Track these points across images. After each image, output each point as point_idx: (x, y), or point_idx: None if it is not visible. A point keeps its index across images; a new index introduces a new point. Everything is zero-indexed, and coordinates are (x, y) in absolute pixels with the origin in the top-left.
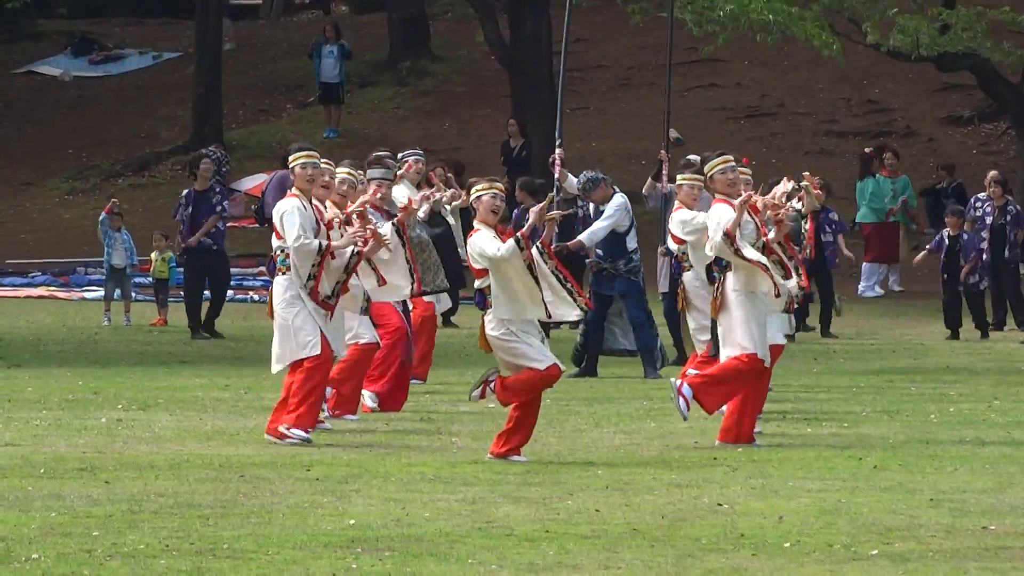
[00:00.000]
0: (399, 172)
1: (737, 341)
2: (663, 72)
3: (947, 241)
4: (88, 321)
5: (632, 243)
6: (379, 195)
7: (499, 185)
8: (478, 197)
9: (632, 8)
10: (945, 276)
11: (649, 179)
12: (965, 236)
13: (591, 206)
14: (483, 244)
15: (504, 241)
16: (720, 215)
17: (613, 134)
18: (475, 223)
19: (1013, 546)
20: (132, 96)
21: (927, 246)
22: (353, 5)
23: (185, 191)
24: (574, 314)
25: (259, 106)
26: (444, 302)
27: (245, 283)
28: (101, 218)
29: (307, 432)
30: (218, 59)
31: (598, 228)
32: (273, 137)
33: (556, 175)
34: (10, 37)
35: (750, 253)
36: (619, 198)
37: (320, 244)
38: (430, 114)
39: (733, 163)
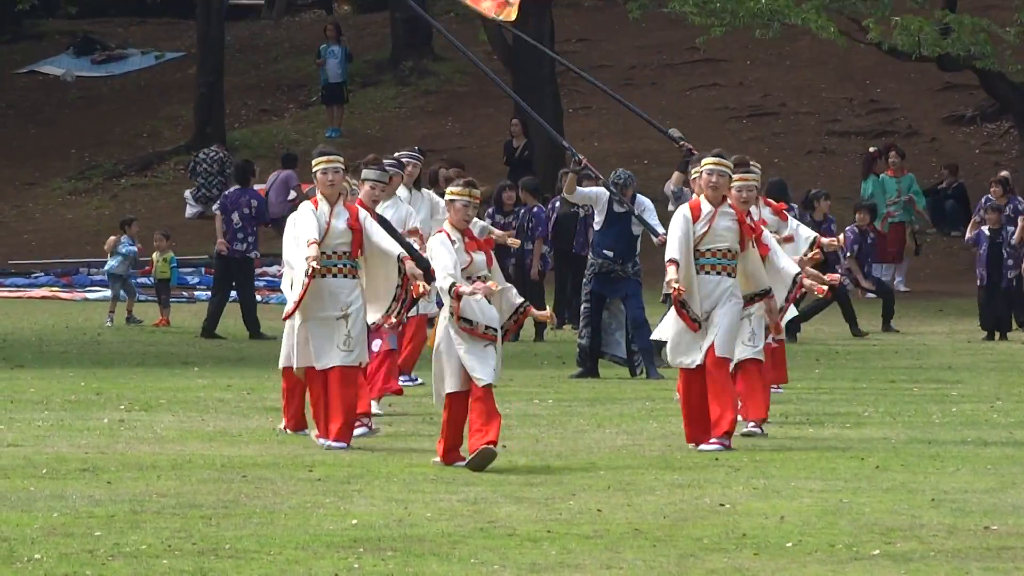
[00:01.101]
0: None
1: None
2: (665, 71)
3: (988, 235)
4: (91, 322)
5: (638, 246)
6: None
7: (476, 192)
8: (451, 201)
9: (631, 5)
10: (984, 274)
11: (676, 172)
12: (1010, 231)
13: (591, 208)
14: (439, 257)
15: (472, 250)
16: (680, 215)
17: (615, 134)
18: (445, 224)
19: (1015, 546)
20: (134, 96)
21: (967, 239)
22: (355, 5)
23: (239, 189)
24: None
25: (261, 106)
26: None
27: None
28: (128, 249)
29: (285, 428)
30: (220, 59)
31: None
32: (276, 137)
33: (590, 172)
34: (12, 37)
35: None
36: (646, 198)
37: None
38: (432, 114)
39: (724, 168)
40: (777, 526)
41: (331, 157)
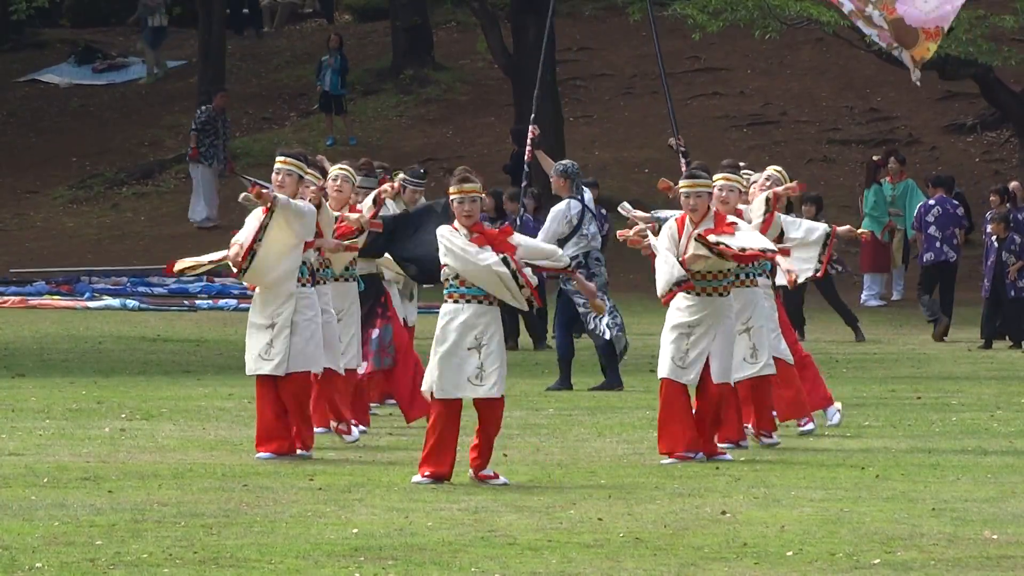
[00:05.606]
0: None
1: None
2: (666, 80)
3: (996, 245)
4: (92, 330)
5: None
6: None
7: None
8: (451, 202)
9: (632, 8)
10: (988, 282)
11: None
12: (1017, 239)
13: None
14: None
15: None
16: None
17: (616, 143)
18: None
19: (1015, 555)
20: (135, 105)
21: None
22: (356, 14)
23: None
24: None
25: (262, 114)
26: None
27: (249, 292)
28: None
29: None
30: (221, 68)
31: None
32: (277, 145)
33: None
34: (13, 46)
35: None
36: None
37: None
38: (433, 123)
39: (700, 190)
40: (778, 535)
41: (285, 159)
